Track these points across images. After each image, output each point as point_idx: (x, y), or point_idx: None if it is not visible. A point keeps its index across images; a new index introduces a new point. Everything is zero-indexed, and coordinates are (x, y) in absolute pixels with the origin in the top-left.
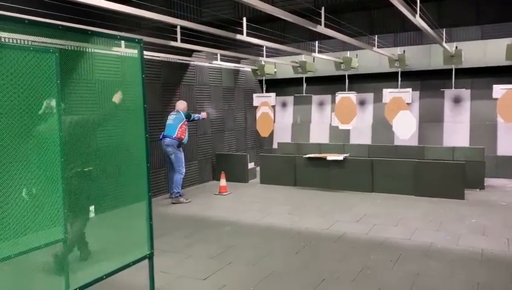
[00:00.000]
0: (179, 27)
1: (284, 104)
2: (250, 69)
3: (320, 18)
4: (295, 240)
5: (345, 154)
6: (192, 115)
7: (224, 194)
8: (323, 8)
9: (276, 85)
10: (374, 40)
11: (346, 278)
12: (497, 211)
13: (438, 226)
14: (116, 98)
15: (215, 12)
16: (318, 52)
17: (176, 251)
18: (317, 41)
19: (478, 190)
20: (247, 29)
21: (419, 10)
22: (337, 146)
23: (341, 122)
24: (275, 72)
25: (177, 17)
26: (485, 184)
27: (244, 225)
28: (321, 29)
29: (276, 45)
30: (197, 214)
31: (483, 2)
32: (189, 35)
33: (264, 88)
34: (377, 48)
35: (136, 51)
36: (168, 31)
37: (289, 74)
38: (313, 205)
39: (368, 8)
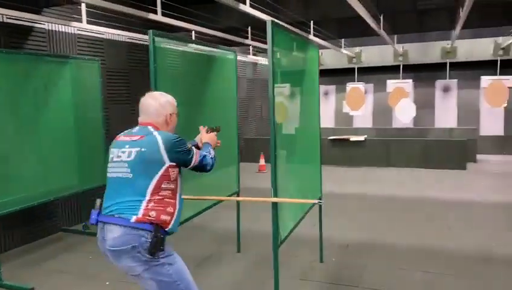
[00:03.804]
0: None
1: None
2: (266, 62)
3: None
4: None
5: (364, 136)
6: (202, 153)
7: (264, 172)
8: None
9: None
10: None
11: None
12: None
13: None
14: None
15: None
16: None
17: None
18: (343, 39)
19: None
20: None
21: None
22: (351, 130)
23: (352, 109)
24: None
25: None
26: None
27: None
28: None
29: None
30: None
31: None
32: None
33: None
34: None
35: None
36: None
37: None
38: (348, 177)
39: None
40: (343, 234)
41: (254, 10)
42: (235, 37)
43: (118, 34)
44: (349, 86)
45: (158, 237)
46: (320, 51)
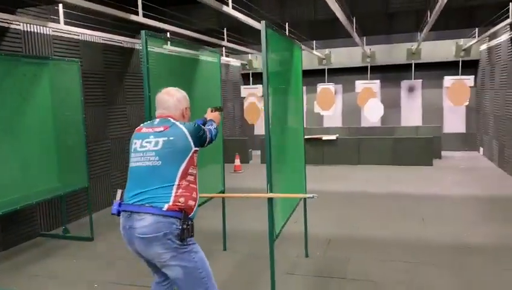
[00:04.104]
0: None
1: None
2: (239, 64)
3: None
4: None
5: (336, 135)
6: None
7: (239, 172)
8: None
9: (258, 78)
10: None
11: None
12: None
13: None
14: None
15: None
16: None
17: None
18: (314, 41)
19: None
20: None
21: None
22: (322, 129)
23: (322, 109)
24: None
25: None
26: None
27: None
28: None
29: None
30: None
31: None
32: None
33: (251, 80)
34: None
35: None
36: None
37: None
38: (322, 175)
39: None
40: (323, 230)
41: (236, 12)
42: (211, 38)
43: (94, 35)
44: (320, 86)
45: (188, 224)
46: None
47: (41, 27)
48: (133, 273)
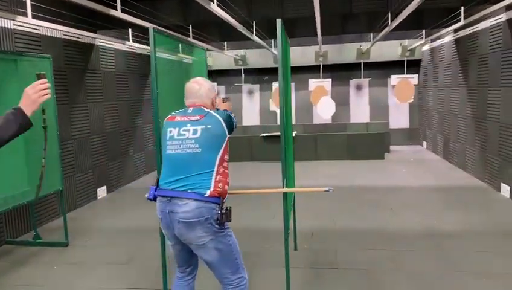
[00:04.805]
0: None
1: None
2: (191, 61)
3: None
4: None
5: (294, 132)
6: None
7: None
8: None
9: (210, 75)
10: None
11: None
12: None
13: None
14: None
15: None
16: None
17: None
18: (272, 40)
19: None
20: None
21: None
22: (278, 127)
23: (278, 106)
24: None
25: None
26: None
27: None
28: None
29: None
30: None
31: None
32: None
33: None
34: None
35: None
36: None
37: (225, 66)
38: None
39: None
40: (303, 223)
41: (221, 10)
42: (178, 34)
43: (55, 29)
44: (275, 85)
45: (226, 209)
46: (250, 50)
47: (3, 20)
48: (125, 276)
